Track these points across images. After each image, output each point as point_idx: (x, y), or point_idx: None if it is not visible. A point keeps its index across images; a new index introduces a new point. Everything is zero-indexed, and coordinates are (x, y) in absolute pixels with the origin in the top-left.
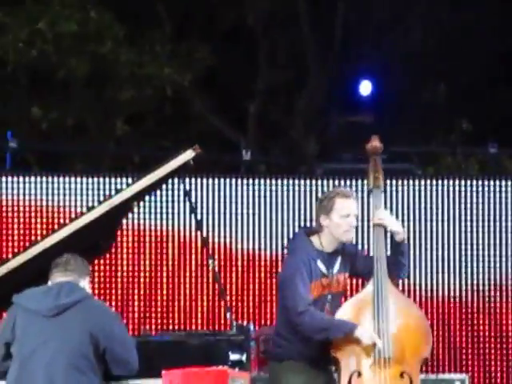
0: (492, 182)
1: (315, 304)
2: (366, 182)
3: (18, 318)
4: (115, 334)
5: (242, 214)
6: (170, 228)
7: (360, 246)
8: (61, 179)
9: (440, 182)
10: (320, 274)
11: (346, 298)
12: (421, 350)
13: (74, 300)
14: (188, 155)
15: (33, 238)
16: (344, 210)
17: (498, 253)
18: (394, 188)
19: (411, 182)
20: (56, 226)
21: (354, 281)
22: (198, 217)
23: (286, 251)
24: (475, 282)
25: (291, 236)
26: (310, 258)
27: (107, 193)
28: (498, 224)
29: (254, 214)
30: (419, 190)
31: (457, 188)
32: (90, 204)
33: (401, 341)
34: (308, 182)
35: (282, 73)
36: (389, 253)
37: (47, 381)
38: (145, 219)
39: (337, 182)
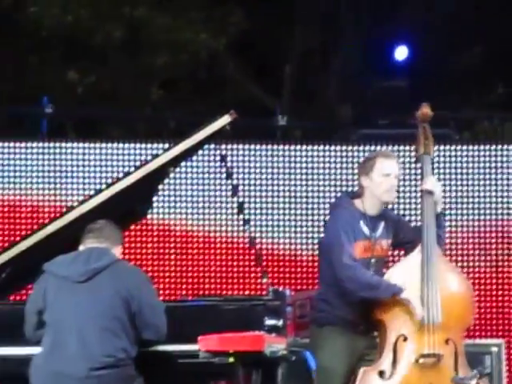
0: None
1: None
2: (414, 148)
3: (48, 286)
4: (145, 298)
5: (277, 179)
6: (207, 193)
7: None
8: (97, 145)
9: (476, 147)
10: (363, 236)
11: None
12: (466, 318)
13: (104, 264)
14: (224, 120)
15: (69, 204)
16: (385, 169)
17: None
18: None
19: (448, 146)
20: (92, 192)
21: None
22: (234, 182)
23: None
24: None
25: (327, 201)
26: (353, 218)
27: (143, 158)
28: None
29: (289, 180)
30: (455, 156)
31: (493, 153)
32: (126, 170)
33: (448, 308)
34: (343, 147)
35: (316, 37)
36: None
37: (81, 345)
38: (180, 184)
39: (372, 148)
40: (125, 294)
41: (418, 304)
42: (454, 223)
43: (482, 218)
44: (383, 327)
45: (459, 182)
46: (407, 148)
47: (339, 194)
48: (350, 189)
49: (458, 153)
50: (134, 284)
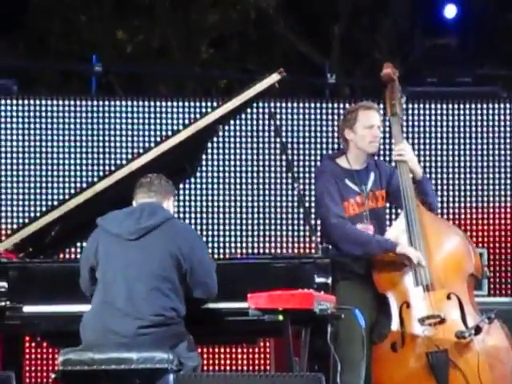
0: None
1: (353, 223)
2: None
3: (100, 242)
4: (196, 256)
5: (326, 137)
6: (255, 151)
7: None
8: (146, 103)
9: None
10: (352, 193)
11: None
12: (463, 268)
13: (156, 223)
14: (273, 78)
15: (118, 162)
16: (368, 120)
17: None
18: (479, 111)
19: (496, 105)
20: (141, 150)
21: None
22: (283, 140)
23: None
24: None
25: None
26: (336, 179)
27: (192, 116)
28: None
29: (338, 138)
30: (504, 114)
31: None
32: (176, 128)
33: (440, 264)
34: None
35: None
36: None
37: (130, 304)
38: (229, 142)
39: (421, 105)
40: (175, 254)
41: (418, 253)
42: (502, 181)
43: None
44: (387, 299)
45: (508, 140)
46: (456, 106)
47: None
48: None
49: (507, 111)
50: (185, 243)
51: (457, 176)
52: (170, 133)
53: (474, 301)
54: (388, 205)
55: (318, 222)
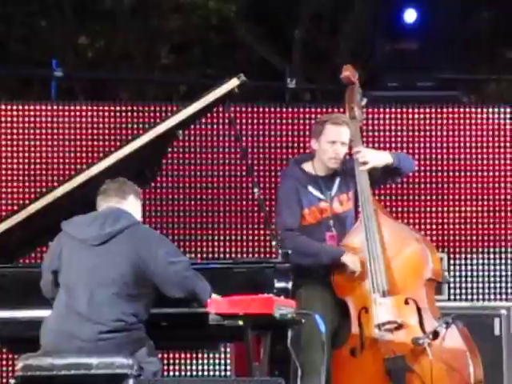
0: None
1: (316, 229)
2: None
3: (64, 246)
4: (160, 259)
5: (286, 142)
6: (215, 156)
7: None
8: (106, 107)
9: (485, 109)
10: (315, 199)
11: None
12: (420, 272)
13: (119, 228)
14: (233, 83)
15: (78, 166)
16: (331, 136)
17: None
18: (439, 115)
19: (457, 109)
20: (101, 155)
21: None
22: (243, 145)
23: None
24: None
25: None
26: (299, 185)
27: (152, 121)
28: None
29: (298, 143)
30: (465, 118)
31: (502, 115)
32: (135, 132)
33: (397, 269)
34: None
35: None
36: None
37: (92, 309)
38: (189, 147)
39: (382, 110)
40: (137, 259)
41: (358, 265)
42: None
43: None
44: (346, 305)
45: (468, 144)
46: (416, 110)
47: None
48: None
49: (467, 115)
50: (148, 248)
51: (417, 180)
52: (130, 137)
53: (434, 306)
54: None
55: None
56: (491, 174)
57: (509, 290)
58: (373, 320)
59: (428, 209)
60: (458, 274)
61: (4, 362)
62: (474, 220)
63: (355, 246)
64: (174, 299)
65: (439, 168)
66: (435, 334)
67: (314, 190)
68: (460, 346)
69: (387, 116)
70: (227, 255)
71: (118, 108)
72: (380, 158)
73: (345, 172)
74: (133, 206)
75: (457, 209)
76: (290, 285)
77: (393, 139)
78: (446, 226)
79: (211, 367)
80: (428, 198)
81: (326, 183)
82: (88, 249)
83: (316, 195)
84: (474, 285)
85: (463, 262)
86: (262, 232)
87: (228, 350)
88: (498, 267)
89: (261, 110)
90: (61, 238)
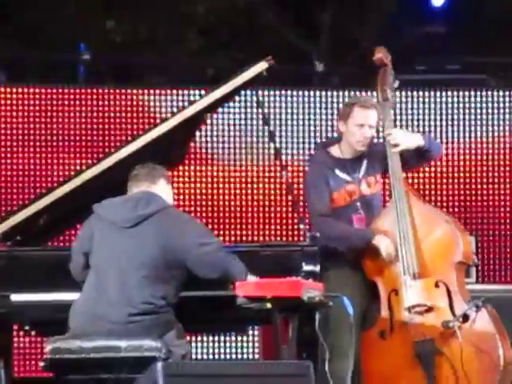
0: None
1: (345, 212)
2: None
3: (95, 228)
4: (190, 242)
5: (314, 125)
6: (244, 139)
7: None
8: (134, 91)
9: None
10: (343, 182)
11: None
12: (450, 254)
13: (151, 211)
14: (261, 66)
15: (106, 150)
16: (359, 119)
17: None
18: (467, 99)
19: (484, 92)
20: (129, 138)
21: None
22: (271, 128)
23: None
24: None
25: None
26: (326, 169)
27: (180, 105)
28: None
29: (326, 126)
30: (492, 102)
31: None
32: (163, 116)
33: (427, 252)
34: None
35: None
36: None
37: (121, 291)
38: (217, 131)
39: (409, 93)
40: (168, 242)
41: (390, 248)
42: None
43: None
44: (376, 286)
45: (496, 128)
46: (444, 94)
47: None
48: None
49: (495, 99)
50: (179, 230)
51: (444, 164)
52: (158, 121)
53: (464, 289)
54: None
55: (306, 210)
56: None
57: None
58: (403, 302)
59: (456, 192)
60: (486, 256)
61: (33, 345)
62: (503, 203)
63: (385, 228)
64: (203, 282)
65: (467, 151)
66: (465, 317)
67: (341, 173)
68: (489, 328)
69: (415, 100)
70: (255, 238)
71: (145, 91)
72: (412, 141)
73: (372, 155)
74: (164, 189)
75: (485, 192)
76: (317, 268)
77: (421, 122)
78: (473, 209)
79: (239, 350)
80: (456, 181)
81: (353, 166)
82: (119, 231)
83: (343, 178)
84: (502, 267)
85: (491, 244)
86: (289, 215)
87: (256, 332)
88: None
89: (289, 93)
90: (92, 220)
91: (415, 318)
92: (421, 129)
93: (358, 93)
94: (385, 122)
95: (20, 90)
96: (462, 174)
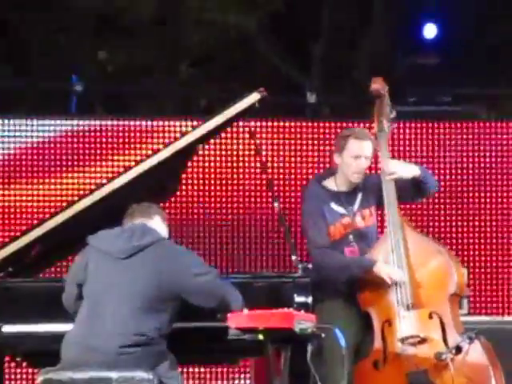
0: None
1: (338, 245)
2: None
3: (90, 259)
4: (188, 271)
5: (306, 156)
6: (236, 170)
7: None
8: (126, 122)
9: (504, 124)
10: (338, 215)
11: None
12: (444, 286)
13: (146, 243)
14: (254, 97)
15: (99, 181)
16: (355, 150)
17: None
18: (458, 130)
19: (476, 124)
20: (121, 169)
21: None
22: (263, 159)
23: None
24: None
25: None
26: (321, 202)
27: (173, 136)
28: None
29: (318, 157)
30: (484, 133)
31: None
32: (156, 147)
33: (422, 283)
34: (373, 124)
35: (346, 13)
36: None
37: (115, 322)
38: (209, 162)
39: (401, 125)
40: (164, 274)
41: (392, 272)
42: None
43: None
44: (370, 317)
45: (482, 159)
46: (436, 125)
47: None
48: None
49: (486, 130)
50: (174, 262)
51: (436, 194)
52: (150, 152)
53: (457, 320)
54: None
55: (298, 240)
56: (511, 188)
57: None
58: (396, 333)
59: (448, 223)
60: (477, 288)
61: (24, 376)
62: (494, 234)
63: (380, 259)
64: (195, 313)
65: (458, 182)
66: (458, 349)
67: (336, 206)
68: (482, 360)
69: (407, 131)
70: (247, 269)
71: (137, 122)
72: (407, 170)
73: (367, 187)
74: (159, 225)
75: (476, 223)
76: (309, 299)
77: (412, 154)
78: (465, 241)
79: (231, 381)
80: (448, 212)
81: (347, 198)
82: (114, 262)
83: (338, 211)
84: (494, 299)
85: (483, 276)
86: (281, 246)
87: (248, 363)
88: None
89: (281, 124)
90: (86, 251)
91: (408, 349)
92: (413, 160)
93: (350, 124)
94: (381, 153)
95: (12, 122)
96: (453, 206)
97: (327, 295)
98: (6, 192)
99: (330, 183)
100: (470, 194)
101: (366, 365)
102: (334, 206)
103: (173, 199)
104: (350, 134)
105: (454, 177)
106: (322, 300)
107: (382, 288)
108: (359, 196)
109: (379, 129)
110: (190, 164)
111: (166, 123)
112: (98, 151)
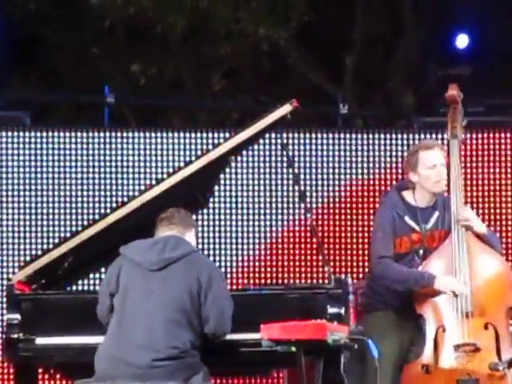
0: None
1: (403, 258)
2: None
3: (122, 270)
4: (213, 293)
5: (338, 168)
6: (268, 182)
7: None
8: (158, 134)
9: None
10: (409, 230)
11: None
12: (504, 299)
13: (178, 255)
14: (286, 109)
15: (131, 193)
16: (429, 161)
17: None
18: (491, 141)
19: (509, 134)
20: (153, 182)
21: None
22: (296, 171)
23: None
24: None
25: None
26: (396, 214)
27: (205, 147)
28: None
29: (350, 168)
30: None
31: None
32: (188, 159)
33: (482, 293)
34: (405, 135)
35: (378, 24)
36: None
37: (147, 335)
38: (242, 174)
39: (434, 136)
40: (194, 287)
41: (456, 286)
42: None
43: None
44: (424, 320)
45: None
46: (468, 136)
47: (389, 188)
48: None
49: None
50: (206, 278)
51: (475, 206)
52: (182, 164)
53: (510, 334)
54: None
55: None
56: None
57: None
58: (450, 340)
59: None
60: None
61: None
62: None
63: (442, 266)
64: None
65: (497, 193)
66: (510, 364)
67: (410, 220)
68: None
69: (439, 142)
70: (280, 281)
71: (170, 135)
72: (479, 224)
73: (444, 209)
74: (193, 240)
75: None
76: (342, 310)
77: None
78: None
79: None
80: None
81: (424, 215)
82: (146, 273)
83: (411, 225)
84: None
85: None
86: (314, 257)
87: (281, 375)
88: None
89: (313, 136)
90: (119, 262)
91: (461, 356)
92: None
93: (382, 135)
94: (452, 162)
95: (44, 134)
96: (492, 217)
97: (375, 307)
98: None
99: (409, 196)
100: (503, 205)
101: (416, 367)
102: (407, 219)
103: (205, 211)
104: (417, 149)
105: (487, 187)
106: (369, 311)
107: (440, 293)
108: (435, 215)
109: (452, 135)
110: (221, 176)
111: (199, 135)
112: (131, 163)
